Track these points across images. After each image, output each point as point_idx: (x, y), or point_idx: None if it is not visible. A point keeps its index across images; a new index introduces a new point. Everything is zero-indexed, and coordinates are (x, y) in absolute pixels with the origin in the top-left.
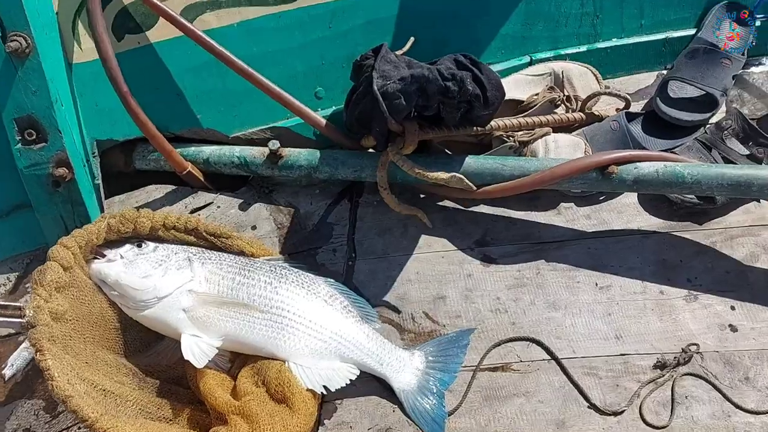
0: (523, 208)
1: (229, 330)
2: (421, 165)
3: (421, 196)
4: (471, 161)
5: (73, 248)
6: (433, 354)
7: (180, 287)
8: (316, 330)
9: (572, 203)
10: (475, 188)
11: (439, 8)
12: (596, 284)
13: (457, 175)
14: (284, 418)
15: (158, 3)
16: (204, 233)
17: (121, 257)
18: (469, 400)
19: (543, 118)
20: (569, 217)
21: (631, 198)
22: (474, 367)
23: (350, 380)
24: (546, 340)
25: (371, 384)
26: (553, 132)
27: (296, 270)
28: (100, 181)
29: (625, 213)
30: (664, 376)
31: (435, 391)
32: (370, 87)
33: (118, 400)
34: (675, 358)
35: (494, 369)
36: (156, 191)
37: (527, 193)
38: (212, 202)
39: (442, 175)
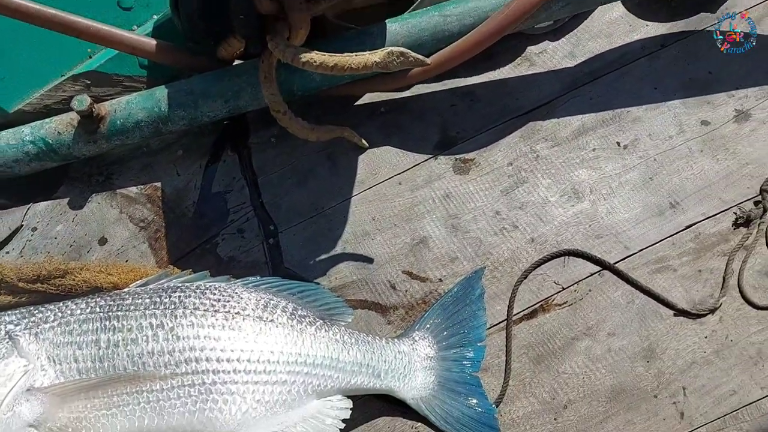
0: (479, 71)
1: (123, 429)
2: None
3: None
4: (396, 27)
5: None
6: (440, 327)
7: (10, 392)
8: (264, 372)
9: (544, 43)
10: (429, 62)
11: None
12: (618, 144)
13: (396, 49)
14: None
15: None
16: (21, 285)
17: None
18: (516, 373)
19: None
20: (547, 63)
21: (615, 10)
22: (504, 323)
23: (344, 420)
24: (584, 245)
25: (370, 405)
26: None
27: (193, 285)
28: None
29: (615, 33)
30: (752, 233)
31: (465, 380)
32: None
33: None
34: (757, 203)
35: (531, 314)
36: None
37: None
38: (22, 226)
39: (372, 56)
